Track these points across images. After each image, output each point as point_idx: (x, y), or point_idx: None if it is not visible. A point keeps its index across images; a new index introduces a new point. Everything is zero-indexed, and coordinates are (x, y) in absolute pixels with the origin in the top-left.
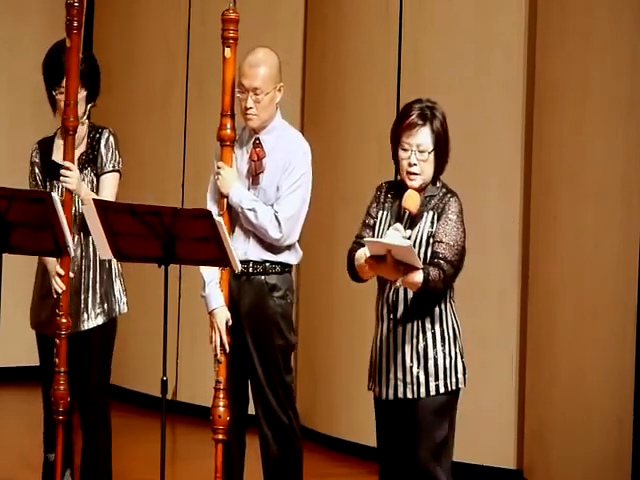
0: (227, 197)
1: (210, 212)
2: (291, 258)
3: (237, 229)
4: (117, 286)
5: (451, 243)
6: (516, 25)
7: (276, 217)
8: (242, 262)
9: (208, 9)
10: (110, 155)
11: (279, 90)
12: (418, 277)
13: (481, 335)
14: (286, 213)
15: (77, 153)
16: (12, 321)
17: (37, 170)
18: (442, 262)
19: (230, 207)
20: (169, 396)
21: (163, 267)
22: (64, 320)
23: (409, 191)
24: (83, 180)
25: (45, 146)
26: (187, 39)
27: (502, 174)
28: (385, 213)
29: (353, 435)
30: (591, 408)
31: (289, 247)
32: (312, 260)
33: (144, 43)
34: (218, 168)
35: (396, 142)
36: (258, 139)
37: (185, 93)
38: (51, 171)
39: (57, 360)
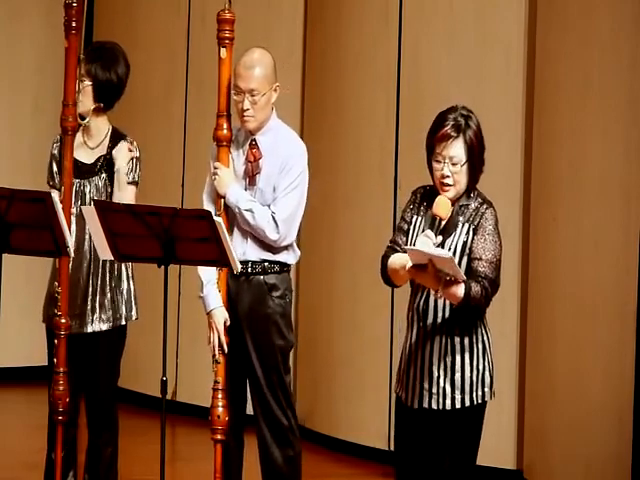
0: (224, 197)
1: (210, 212)
2: (289, 258)
3: (235, 229)
4: (126, 293)
5: (491, 260)
6: (516, 25)
7: (273, 218)
8: (241, 262)
9: (208, 10)
10: (130, 168)
11: (275, 90)
12: (460, 290)
13: None
14: (283, 214)
15: (95, 155)
16: (12, 321)
17: (54, 163)
18: (484, 280)
19: (227, 207)
20: (169, 396)
21: (163, 267)
22: (63, 320)
23: (439, 197)
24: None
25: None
26: (187, 39)
27: (502, 174)
28: (419, 219)
29: (353, 435)
30: (591, 408)
31: (287, 247)
32: (312, 261)
33: (144, 43)
34: (215, 168)
35: (430, 152)
36: (254, 140)
37: (185, 93)
38: None
39: (56, 360)
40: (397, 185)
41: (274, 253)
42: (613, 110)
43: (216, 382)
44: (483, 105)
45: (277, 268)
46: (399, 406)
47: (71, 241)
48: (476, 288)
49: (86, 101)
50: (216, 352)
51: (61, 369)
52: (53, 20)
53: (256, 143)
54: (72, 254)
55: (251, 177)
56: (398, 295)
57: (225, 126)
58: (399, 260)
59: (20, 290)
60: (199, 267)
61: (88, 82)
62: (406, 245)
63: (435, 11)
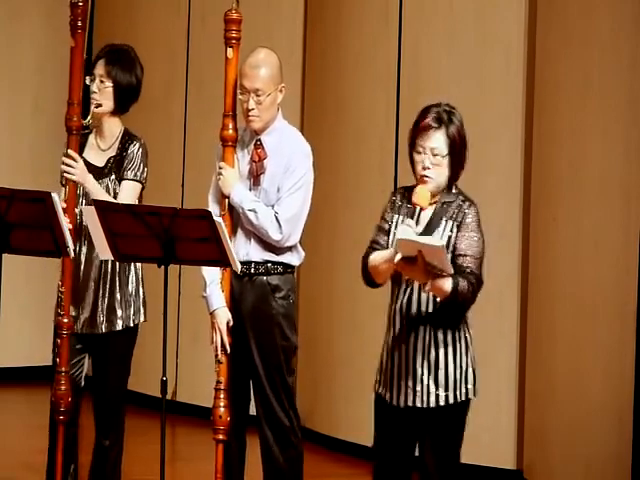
0: (228, 197)
1: (210, 212)
2: (293, 259)
3: (239, 230)
4: (135, 295)
5: (476, 256)
6: (516, 25)
7: (276, 218)
8: (244, 263)
9: (208, 9)
10: (133, 164)
11: (280, 91)
12: (447, 284)
13: (481, 335)
14: (286, 214)
15: (106, 156)
16: (12, 321)
17: None
18: (470, 276)
19: (232, 207)
20: (169, 396)
21: (163, 267)
22: (65, 320)
23: (418, 187)
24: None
25: (79, 142)
26: (187, 39)
27: (502, 174)
28: (401, 217)
29: (353, 435)
30: (591, 408)
31: (291, 248)
32: (312, 261)
33: (144, 43)
34: (220, 168)
35: (411, 145)
36: (259, 140)
37: (185, 93)
38: None
39: (58, 360)
40: (397, 185)
41: (277, 254)
42: (613, 110)
43: (218, 382)
44: (483, 105)
45: (280, 269)
46: (382, 405)
47: (71, 241)
48: (463, 283)
49: (106, 103)
50: (219, 352)
51: (63, 369)
52: (53, 20)
53: (261, 143)
54: (72, 254)
55: (255, 177)
56: None
57: (231, 126)
58: (380, 255)
59: (20, 290)
60: (203, 267)
61: (109, 83)
62: (388, 246)
63: (435, 11)
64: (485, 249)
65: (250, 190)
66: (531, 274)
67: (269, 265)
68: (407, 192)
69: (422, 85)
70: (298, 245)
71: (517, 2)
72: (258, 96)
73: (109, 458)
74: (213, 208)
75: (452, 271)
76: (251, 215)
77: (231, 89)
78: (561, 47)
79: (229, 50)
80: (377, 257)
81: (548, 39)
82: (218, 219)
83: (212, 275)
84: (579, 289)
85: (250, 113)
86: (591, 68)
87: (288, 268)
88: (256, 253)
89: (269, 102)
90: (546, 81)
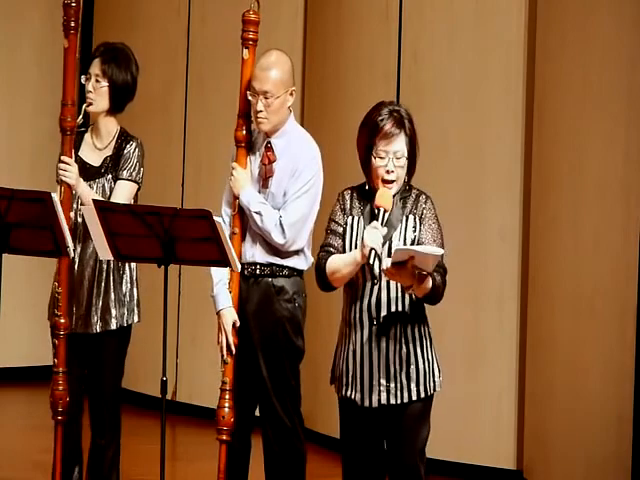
0: (238, 198)
1: (210, 212)
2: (299, 263)
3: (247, 231)
4: (129, 295)
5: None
6: (516, 25)
7: (280, 222)
8: (250, 264)
9: (208, 9)
10: (129, 164)
11: (291, 94)
12: (429, 283)
13: (481, 335)
14: (290, 218)
15: (102, 155)
16: (13, 321)
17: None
18: (440, 269)
19: (242, 208)
20: (169, 396)
21: (163, 267)
22: (62, 320)
23: (381, 189)
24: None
25: (75, 140)
26: (187, 39)
27: (502, 174)
28: (355, 218)
29: None
30: (591, 408)
31: (297, 252)
32: (313, 261)
33: (144, 43)
34: (232, 169)
35: (368, 150)
36: (269, 143)
37: (185, 93)
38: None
39: (56, 360)
40: None
41: (282, 257)
42: (613, 110)
43: (223, 382)
44: (483, 105)
45: (286, 272)
46: (350, 408)
47: (71, 241)
48: (438, 277)
49: (101, 102)
50: (224, 352)
51: (60, 369)
52: (53, 20)
53: (271, 146)
54: (72, 254)
55: (264, 180)
56: None
57: (244, 127)
58: (341, 260)
59: (20, 290)
60: (212, 267)
61: (105, 83)
62: (345, 249)
63: (435, 11)
64: (444, 237)
65: (259, 192)
66: (531, 274)
67: (274, 267)
68: (355, 192)
69: (421, 85)
70: (305, 249)
71: (517, 2)
72: (267, 98)
73: (106, 458)
74: (224, 208)
75: (430, 270)
76: (256, 217)
77: (246, 90)
78: (561, 47)
79: (245, 51)
80: (338, 262)
81: (548, 39)
82: (218, 219)
83: (220, 275)
84: (579, 289)
85: (259, 115)
86: (591, 68)
87: (295, 271)
88: (261, 255)
89: (278, 105)
90: (546, 81)
